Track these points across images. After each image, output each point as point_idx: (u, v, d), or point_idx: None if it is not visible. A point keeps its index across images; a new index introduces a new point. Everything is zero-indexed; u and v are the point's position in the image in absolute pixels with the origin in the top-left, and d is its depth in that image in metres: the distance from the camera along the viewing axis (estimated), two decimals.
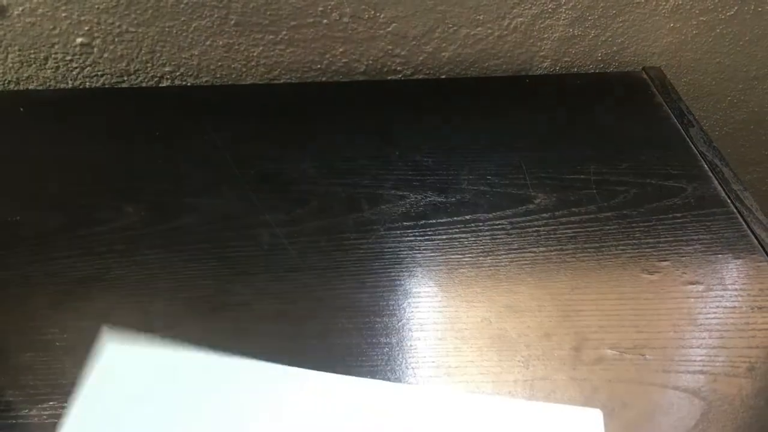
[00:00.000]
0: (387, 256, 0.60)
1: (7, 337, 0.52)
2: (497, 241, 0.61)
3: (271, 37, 0.78)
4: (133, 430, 0.47)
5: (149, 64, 0.79)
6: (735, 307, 0.56)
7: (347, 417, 0.48)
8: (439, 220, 0.63)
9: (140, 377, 0.50)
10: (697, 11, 0.82)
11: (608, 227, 0.63)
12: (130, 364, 0.51)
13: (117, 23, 0.74)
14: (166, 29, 0.76)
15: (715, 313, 0.56)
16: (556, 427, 0.49)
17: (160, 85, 0.82)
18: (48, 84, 0.80)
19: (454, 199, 0.66)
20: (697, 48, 0.86)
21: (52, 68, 0.78)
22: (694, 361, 0.52)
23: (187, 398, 0.49)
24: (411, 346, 0.53)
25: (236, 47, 0.79)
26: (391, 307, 0.56)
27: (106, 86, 0.81)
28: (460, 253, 0.61)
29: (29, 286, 0.56)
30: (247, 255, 0.59)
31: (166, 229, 0.61)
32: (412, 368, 0.51)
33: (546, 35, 0.82)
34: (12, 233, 0.61)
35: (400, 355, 0.52)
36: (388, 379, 0.51)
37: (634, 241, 0.61)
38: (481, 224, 0.63)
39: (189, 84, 0.82)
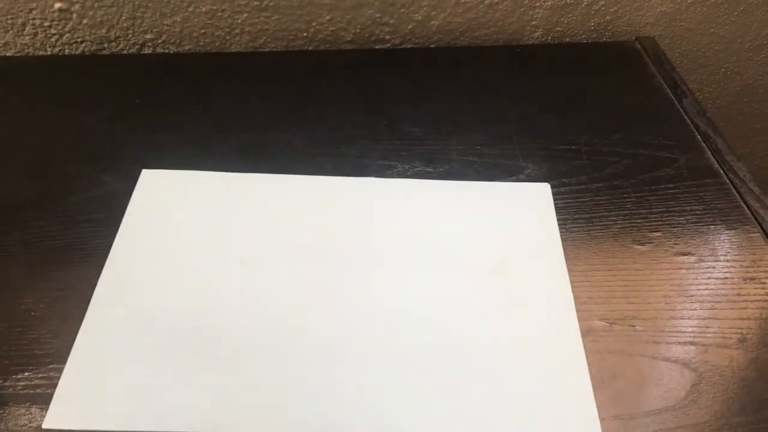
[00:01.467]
0: None
1: None
2: None
3: (255, 3, 0.76)
4: None
5: (130, 31, 0.77)
6: (727, 278, 0.55)
7: None
8: None
9: None
10: None
11: (599, 198, 0.62)
12: None
13: None
14: None
15: (706, 284, 0.55)
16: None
17: (142, 52, 0.80)
18: (26, 51, 0.78)
19: (442, 169, 0.64)
20: (691, 18, 0.84)
21: (29, 35, 0.76)
22: (685, 332, 0.51)
23: None
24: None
25: (220, 14, 0.76)
26: None
27: (86, 53, 0.79)
28: None
29: (4, 256, 0.54)
30: None
31: None
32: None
33: (538, 3, 0.80)
34: None
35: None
36: None
37: (625, 212, 0.60)
38: None
39: (171, 52, 0.80)
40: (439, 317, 0.51)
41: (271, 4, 0.76)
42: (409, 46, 0.82)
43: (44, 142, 0.65)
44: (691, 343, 0.51)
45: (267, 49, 0.81)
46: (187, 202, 0.59)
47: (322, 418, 0.45)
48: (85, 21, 0.75)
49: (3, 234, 0.56)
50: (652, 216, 0.60)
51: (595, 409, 0.46)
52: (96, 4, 0.74)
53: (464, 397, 0.47)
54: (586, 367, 0.48)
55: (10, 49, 0.77)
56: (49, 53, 0.78)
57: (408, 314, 0.52)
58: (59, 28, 0.76)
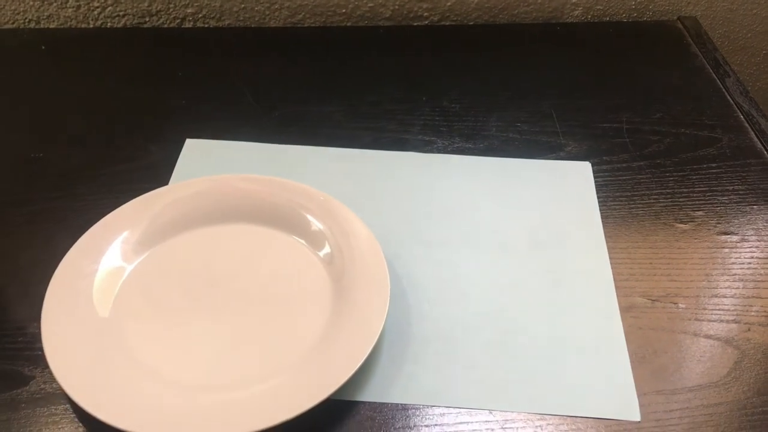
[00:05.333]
0: None
1: (32, 271, 0.51)
2: None
3: None
4: None
5: (171, 5, 0.78)
6: None
7: None
8: None
9: None
10: None
11: (641, 176, 0.61)
12: None
13: None
14: None
15: (749, 263, 0.54)
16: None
17: (182, 26, 0.80)
18: (69, 23, 0.79)
19: (482, 145, 0.64)
20: None
21: (73, 7, 0.77)
22: (728, 310, 0.51)
23: None
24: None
25: None
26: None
27: (128, 27, 0.79)
28: None
29: (53, 220, 0.55)
30: None
31: None
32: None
33: None
34: (36, 169, 0.60)
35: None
36: None
37: (667, 191, 0.60)
38: None
39: (211, 26, 0.80)
40: (476, 293, 0.52)
41: None
42: (447, 23, 0.82)
43: (90, 113, 0.66)
44: (734, 321, 0.50)
45: (305, 25, 0.81)
46: (230, 170, 0.60)
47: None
48: None
49: (52, 200, 0.57)
50: (695, 195, 0.60)
51: (633, 385, 0.46)
52: None
53: (502, 371, 0.47)
54: (625, 345, 0.48)
55: (53, 21, 0.78)
56: (91, 26, 0.79)
57: (446, 289, 0.52)
58: (102, 1, 0.77)
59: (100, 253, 0.50)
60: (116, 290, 0.49)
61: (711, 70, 0.73)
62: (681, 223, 0.57)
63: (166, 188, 0.55)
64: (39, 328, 0.45)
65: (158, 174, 0.59)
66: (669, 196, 0.59)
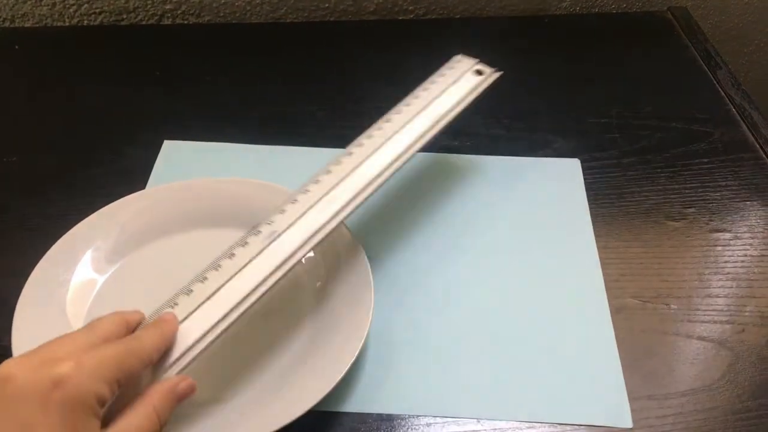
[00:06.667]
0: None
1: (3, 281, 0.50)
2: None
3: None
4: None
5: (149, 2, 0.76)
6: (764, 255, 0.54)
7: None
8: None
9: None
10: None
11: (631, 173, 0.60)
12: None
13: None
14: None
15: (742, 261, 0.53)
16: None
17: (161, 23, 0.78)
18: (44, 22, 0.76)
19: (469, 143, 0.63)
20: None
21: (48, 5, 0.75)
22: (721, 310, 0.50)
23: None
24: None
25: None
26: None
27: (105, 24, 0.77)
28: None
29: (26, 229, 0.54)
30: None
31: None
32: None
33: None
34: (8, 174, 0.58)
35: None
36: None
37: (658, 187, 0.59)
38: None
39: (191, 23, 0.78)
40: (462, 297, 0.50)
41: None
42: (433, 17, 0.80)
43: (65, 114, 0.65)
44: (728, 322, 0.49)
45: (287, 20, 0.79)
46: (210, 173, 0.58)
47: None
48: None
49: (25, 207, 0.55)
50: (686, 191, 0.58)
51: (625, 390, 0.45)
52: None
53: (490, 378, 0.46)
54: (616, 348, 0.47)
55: (29, 20, 0.76)
56: (67, 24, 0.77)
57: (431, 293, 0.51)
58: None
59: (73, 263, 0.48)
60: (89, 301, 0.47)
61: (702, 62, 0.72)
62: (672, 220, 0.56)
63: (141, 193, 0.53)
64: (10, 341, 0.43)
65: (135, 178, 0.57)
66: (660, 192, 0.58)
